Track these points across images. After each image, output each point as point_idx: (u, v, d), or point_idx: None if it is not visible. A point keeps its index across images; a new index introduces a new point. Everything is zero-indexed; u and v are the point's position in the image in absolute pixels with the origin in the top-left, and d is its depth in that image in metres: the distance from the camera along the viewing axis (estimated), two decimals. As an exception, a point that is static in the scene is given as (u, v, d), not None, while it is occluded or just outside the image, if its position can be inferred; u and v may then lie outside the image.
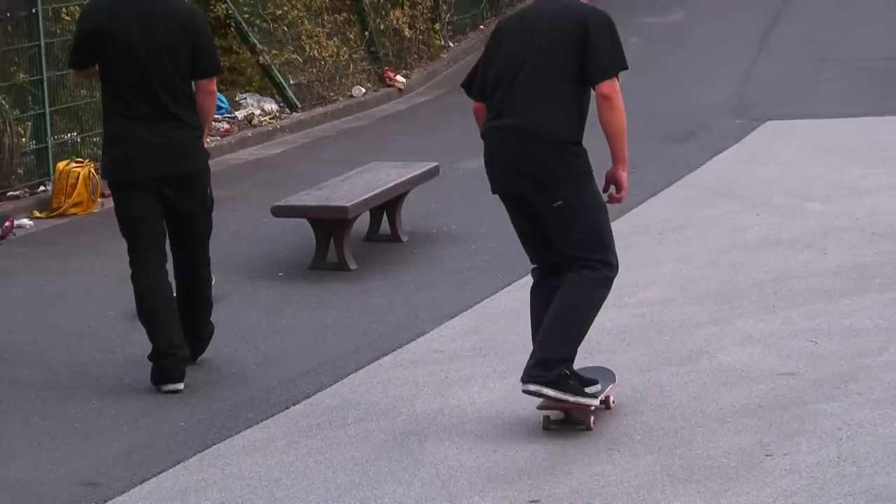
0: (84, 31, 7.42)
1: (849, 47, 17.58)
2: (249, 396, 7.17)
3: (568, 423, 6.42)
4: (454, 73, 18.19)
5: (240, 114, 15.19)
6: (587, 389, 6.35)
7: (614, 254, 6.47)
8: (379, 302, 8.87)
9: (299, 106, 15.84)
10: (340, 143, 14.74)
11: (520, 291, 8.90)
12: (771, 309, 8.20)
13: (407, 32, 18.28)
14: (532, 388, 6.26)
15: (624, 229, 9.64)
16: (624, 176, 6.47)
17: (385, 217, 10.41)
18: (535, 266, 6.68)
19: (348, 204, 9.53)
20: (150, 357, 7.33)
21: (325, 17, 16.99)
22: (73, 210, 11.70)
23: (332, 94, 16.56)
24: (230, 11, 15.37)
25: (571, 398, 6.26)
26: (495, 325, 8.25)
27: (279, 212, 9.81)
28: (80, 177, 11.68)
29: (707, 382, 7.01)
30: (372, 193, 9.90)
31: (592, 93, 6.37)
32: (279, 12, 16.23)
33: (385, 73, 17.43)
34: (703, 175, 12.18)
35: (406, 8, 18.37)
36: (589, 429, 6.38)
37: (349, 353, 7.80)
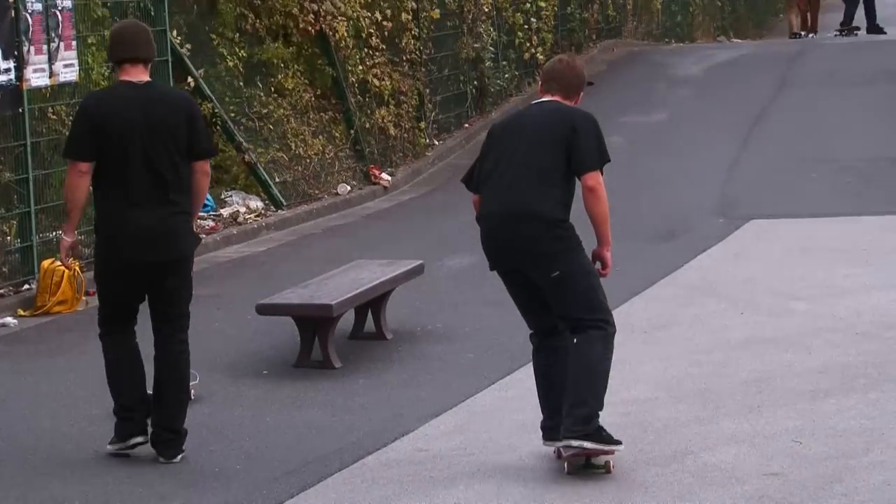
0: (85, 119, 7.61)
1: (830, 148, 17.72)
2: (233, 496, 7.13)
3: (589, 466, 7.16)
4: (439, 171, 18.30)
5: (225, 211, 15.23)
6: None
7: (611, 313, 7.28)
8: (363, 400, 8.86)
9: (284, 204, 15.89)
10: (325, 240, 14.78)
11: (504, 390, 8.91)
12: (756, 408, 8.21)
13: (392, 131, 18.39)
14: (575, 443, 7.00)
15: (608, 328, 9.63)
16: (608, 255, 7.33)
17: (370, 315, 10.42)
18: (532, 332, 7.42)
19: (333, 302, 9.54)
20: (114, 412, 7.79)
21: (311, 116, 17.10)
22: (57, 308, 11.68)
23: (317, 191, 16.63)
24: (216, 110, 15.46)
25: (607, 447, 7.09)
26: (480, 423, 8.23)
27: (264, 310, 9.82)
28: (65, 275, 11.68)
29: (692, 483, 7.00)
30: (357, 291, 9.91)
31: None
32: (265, 111, 16.33)
33: (370, 170, 17.51)
34: (686, 274, 12.23)
35: (391, 107, 18.49)
36: (608, 472, 7.07)
37: (333, 453, 7.77)
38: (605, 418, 7.66)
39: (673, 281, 11.98)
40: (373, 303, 10.32)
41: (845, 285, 11.37)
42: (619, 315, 10.55)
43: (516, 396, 8.59)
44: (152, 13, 14.00)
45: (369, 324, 10.43)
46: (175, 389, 7.71)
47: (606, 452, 7.14)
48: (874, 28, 28.22)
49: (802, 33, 28.85)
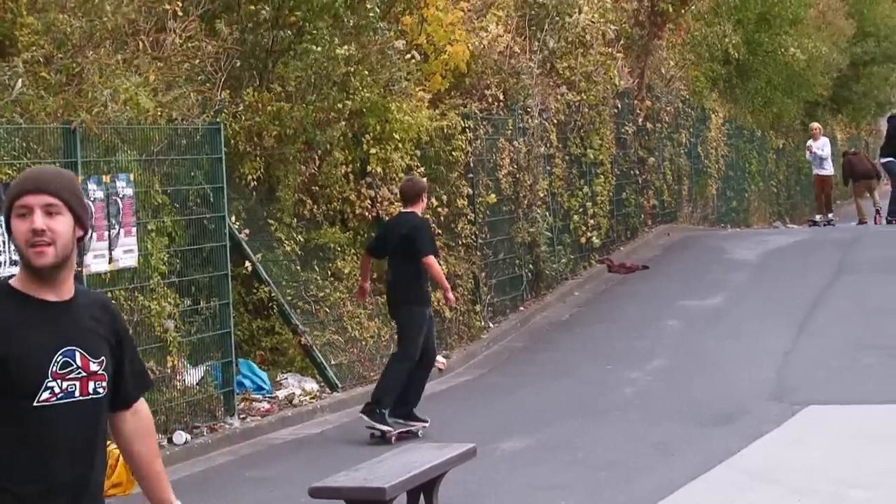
0: None
1: (885, 334, 17.63)
2: None
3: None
4: (494, 354, 18.33)
5: (281, 393, 15.28)
6: None
7: None
8: (416, 586, 8.78)
9: (340, 386, 15.94)
10: (380, 423, 14.76)
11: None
12: None
13: (447, 313, 18.49)
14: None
15: (663, 514, 9.56)
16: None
17: (422, 498, 10.37)
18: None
19: (386, 486, 9.51)
20: None
21: (367, 299, 17.23)
22: (112, 491, 11.70)
23: (372, 373, 16.66)
24: (273, 294, 15.62)
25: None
26: None
27: (317, 493, 9.80)
28: (120, 458, 11.72)
29: None
30: (410, 475, 9.88)
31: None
32: (321, 294, 16.48)
33: (425, 354, 17.56)
34: (743, 459, 12.11)
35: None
36: None
37: None
38: None
39: (729, 466, 11.87)
40: (425, 486, 10.28)
41: (904, 472, 11.23)
42: (677, 500, 10.52)
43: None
44: (211, 199, 14.24)
45: (422, 507, 10.37)
46: None
47: None
48: None
49: (820, 219, 29.35)
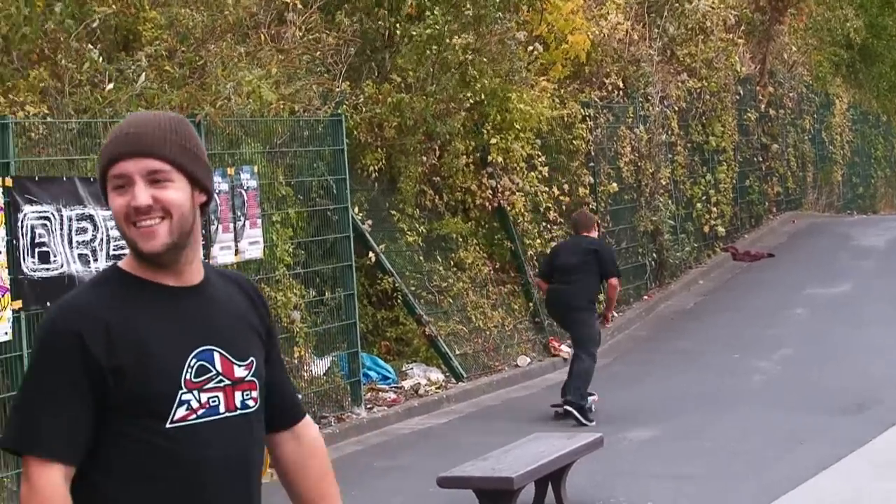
0: None
1: None
2: None
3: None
4: (619, 343, 18.20)
5: (406, 384, 15.32)
6: None
7: None
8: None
9: (465, 375, 15.93)
10: (505, 412, 14.74)
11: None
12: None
13: (571, 304, 18.41)
14: None
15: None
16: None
17: (550, 487, 10.32)
18: None
19: (514, 475, 9.48)
20: None
21: (490, 289, 17.22)
22: None
23: (497, 363, 16.66)
24: (397, 284, 15.66)
25: None
26: None
27: (446, 482, 9.79)
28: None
29: None
30: (537, 464, 9.83)
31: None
32: (445, 284, 16.49)
33: (550, 342, 17.51)
34: (873, 449, 11.90)
35: (570, 280, 18.55)
36: None
37: None
38: None
39: (860, 456, 11.66)
40: (553, 475, 10.23)
41: None
42: (807, 490, 10.36)
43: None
44: (334, 190, 14.30)
45: (549, 496, 10.32)
46: None
47: None
48: None
49: None
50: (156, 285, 3.38)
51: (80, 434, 3.28)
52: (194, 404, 3.33)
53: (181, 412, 3.32)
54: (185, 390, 3.32)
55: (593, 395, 13.93)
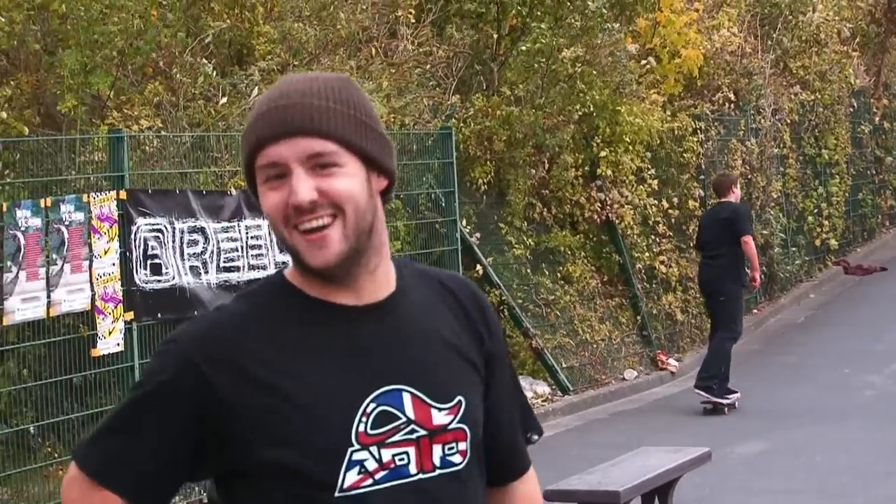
0: None
1: None
2: None
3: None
4: (727, 358, 18.10)
5: (513, 396, 15.33)
6: None
7: None
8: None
9: (571, 389, 15.93)
10: (612, 426, 14.71)
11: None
12: None
13: (679, 316, 18.34)
14: None
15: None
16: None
17: (657, 502, 10.29)
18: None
19: (620, 489, 9.46)
20: None
21: (598, 302, 17.20)
22: None
23: (604, 376, 16.63)
24: (504, 297, 15.69)
25: None
26: None
27: (552, 496, 9.78)
28: None
29: None
30: (644, 479, 9.81)
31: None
32: (552, 297, 16.50)
33: (657, 356, 17.45)
34: None
35: (678, 292, 18.47)
36: None
37: None
38: None
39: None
40: (660, 490, 10.20)
41: None
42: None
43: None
44: (443, 203, 14.38)
45: (656, 511, 10.30)
46: None
47: None
48: None
49: None
50: (326, 305, 2.52)
51: (151, 475, 2.52)
52: (371, 465, 2.47)
53: (352, 477, 2.46)
54: (357, 447, 2.46)
55: (736, 392, 14.29)
